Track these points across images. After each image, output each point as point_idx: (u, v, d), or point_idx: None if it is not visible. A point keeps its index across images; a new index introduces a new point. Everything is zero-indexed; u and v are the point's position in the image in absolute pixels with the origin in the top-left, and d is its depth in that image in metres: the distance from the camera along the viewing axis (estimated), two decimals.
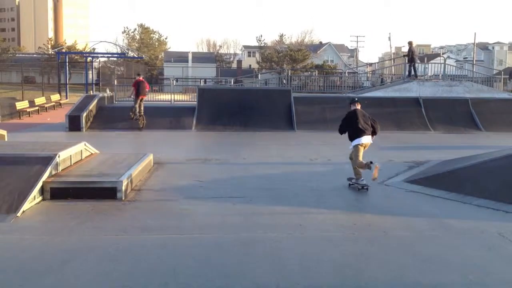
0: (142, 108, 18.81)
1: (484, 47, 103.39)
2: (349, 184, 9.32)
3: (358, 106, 9.70)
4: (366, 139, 9.21)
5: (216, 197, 8.56)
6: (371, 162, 8.68)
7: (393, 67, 53.06)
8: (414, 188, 9.18)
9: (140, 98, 18.85)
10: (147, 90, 19.74)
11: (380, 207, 8.02)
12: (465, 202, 8.20)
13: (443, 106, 20.95)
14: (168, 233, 6.51)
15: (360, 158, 9.04)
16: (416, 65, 24.81)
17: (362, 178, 9.07)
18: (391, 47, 78.92)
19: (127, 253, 5.78)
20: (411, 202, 8.42)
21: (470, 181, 8.97)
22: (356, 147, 9.20)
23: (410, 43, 24.53)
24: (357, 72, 34.20)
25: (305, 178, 10.23)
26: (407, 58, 24.45)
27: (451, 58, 53.22)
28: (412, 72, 24.22)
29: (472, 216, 7.52)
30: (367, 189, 8.98)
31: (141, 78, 19.69)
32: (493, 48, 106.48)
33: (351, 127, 9.31)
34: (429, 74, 28.96)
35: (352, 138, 9.34)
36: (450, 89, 22.85)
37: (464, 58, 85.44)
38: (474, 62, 53.53)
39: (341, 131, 9.67)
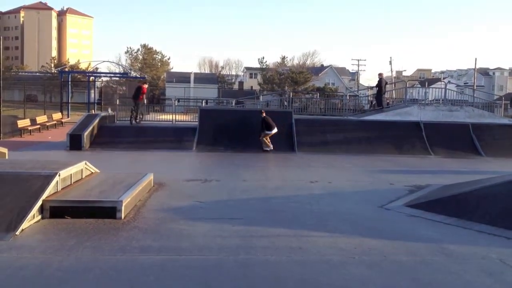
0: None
1: (484, 72, 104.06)
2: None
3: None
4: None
5: (216, 219, 8.53)
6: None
7: (394, 91, 53.33)
8: (415, 213, 9.15)
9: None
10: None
11: (381, 231, 7.98)
12: (465, 227, 8.16)
13: (444, 130, 21.00)
14: (167, 254, 6.47)
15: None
16: (382, 97, 24.99)
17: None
18: (392, 71, 79.35)
19: (126, 274, 5.74)
20: (412, 226, 8.39)
21: (471, 206, 8.94)
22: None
23: (380, 75, 24.85)
24: (358, 95, 34.33)
25: (305, 201, 10.20)
26: (377, 90, 24.60)
27: (452, 83, 53.42)
28: (379, 103, 24.43)
29: (473, 242, 7.48)
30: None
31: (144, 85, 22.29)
32: (493, 73, 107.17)
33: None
34: (429, 99, 29.07)
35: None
36: (451, 113, 22.92)
37: (464, 83, 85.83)
38: (475, 87, 53.76)
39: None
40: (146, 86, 22.59)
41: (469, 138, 20.69)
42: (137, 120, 21.69)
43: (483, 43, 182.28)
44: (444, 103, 25.08)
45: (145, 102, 22.01)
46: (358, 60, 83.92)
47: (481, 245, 7.30)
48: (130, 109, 22.22)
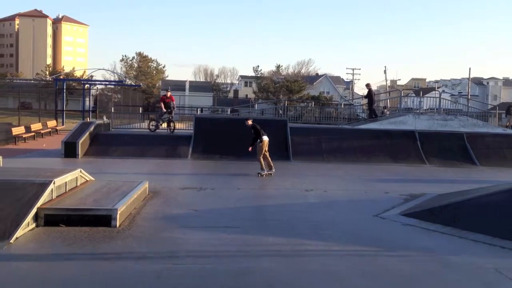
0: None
1: (478, 82, 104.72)
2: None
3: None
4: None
5: (211, 227, 8.51)
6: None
7: (388, 100, 53.53)
8: (410, 222, 9.15)
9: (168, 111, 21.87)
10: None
11: (376, 240, 7.97)
12: (461, 236, 8.17)
13: (439, 139, 21.06)
14: (162, 262, 6.44)
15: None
16: (374, 106, 25.16)
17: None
18: (386, 80, 79.65)
19: (121, 282, 5.71)
20: (407, 235, 8.39)
21: (466, 215, 8.95)
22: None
23: (368, 85, 24.95)
24: (352, 104, 34.45)
25: (300, 209, 10.19)
26: (367, 100, 24.70)
27: (446, 92, 53.72)
28: (373, 113, 24.61)
29: (469, 251, 7.48)
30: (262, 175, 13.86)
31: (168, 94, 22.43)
32: (487, 83, 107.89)
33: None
34: (424, 108, 29.22)
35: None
36: (445, 123, 23.01)
37: (459, 92, 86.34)
38: (469, 96, 54.07)
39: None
40: (167, 94, 22.53)
41: (464, 147, 20.77)
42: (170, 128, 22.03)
43: (477, 53, 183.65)
44: (439, 112, 25.21)
45: (163, 110, 21.98)
46: (353, 69, 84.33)
47: (477, 254, 7.31)
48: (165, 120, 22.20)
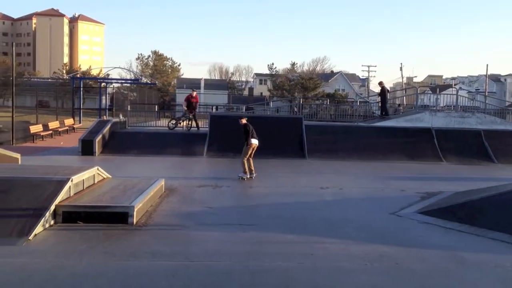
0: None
1: (496, 79, 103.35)
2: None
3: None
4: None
5: (226, 224, 8.53)
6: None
7: (404, 97, 53.12)
8: (427, 220, 9.09)
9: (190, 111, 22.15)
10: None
11: (392, 238, 7.93)
12: (478, 234, 8.09)
13: (456, 137, 20.85)
14: (178, 260, 6.48)
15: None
16: (387, 104, 24.98)
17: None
18: (402, 77, 78.98)
19: (138, 279, 5.75)
20: (424, 233, 8.33)
21: (484, 213, 8.87)
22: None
23: (381, 83, 24.82)
24: (368, 102, 34.21)
25: (316, 207, 10.18)
26: (380, 98, 24.54)
27: (463, 89, 53.21)
28: (384, 111, 24.44)
29: (486, 249, 7.41)
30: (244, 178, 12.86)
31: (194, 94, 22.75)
32: (505, 80, 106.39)
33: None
34: (441, 105, 28.92)
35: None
36: (463, 120, 22.77)
37: (476, 89, 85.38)
38: (486, 93, 53.50)
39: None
40: (192, 94, 22.93)
41: (481, 145, 20.54)
42: (196, 127, 22.44)
43: (494, 49, 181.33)
44: (456, 110, 24.95)
45: (186, 110, 22.37)
46: (369, 66, 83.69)
47: (495, 252, 7.23)
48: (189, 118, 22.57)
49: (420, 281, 5.98)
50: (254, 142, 13.48)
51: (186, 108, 22.37)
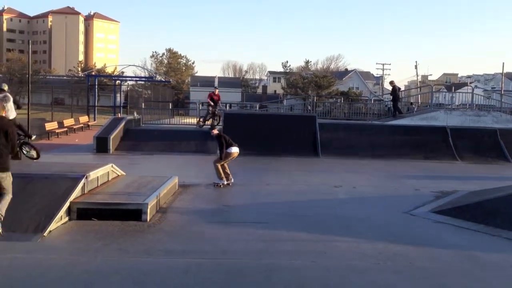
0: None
1: None
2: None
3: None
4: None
5: (240, 222, 8.55)
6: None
7: (419, 95, 52.67)
8: (441, 219, 9.03)
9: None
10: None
11: (406, 237, 7.89)
12: (494, 234, 8.02)
13: (471, 136, 20.65)
14: (191, 257, 6.51)
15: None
16: (398, 103, 24.89)
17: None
18: (417, 76, 78.41)
19: (151, 276, 5.79)
20: (438, 232, 8.28)
21: (499, 213, 8.78)
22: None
23: (392, 83, 24.77)
24: (382, 100, 33.99)
25: (329, 205, 10.16)
26: (392, 97, 24.41)
27: (479, 88, 52.62)
28: (397, 110, 24.32)
29: (502, 249, 7.35)
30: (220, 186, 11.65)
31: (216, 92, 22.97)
32: None
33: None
34: (456, 103, 28.67)
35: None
36: (478, 118, 22.57)
37: (492, 88, 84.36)
38: (502, 92, 52.80)
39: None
40: (215, 91, 23.18)
41: (497, 144, 20.31)
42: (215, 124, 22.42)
43: (510, 47, 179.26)
44: (471, 108, 24.73)
45: (210, 108, 22.77)
46: (383, 64, 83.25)
47: (510, 252, 7.16)
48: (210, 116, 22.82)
49: (434, 280, 5.94)
50: (235, 150, 12.27)
51: (212, 104, 22.45)
